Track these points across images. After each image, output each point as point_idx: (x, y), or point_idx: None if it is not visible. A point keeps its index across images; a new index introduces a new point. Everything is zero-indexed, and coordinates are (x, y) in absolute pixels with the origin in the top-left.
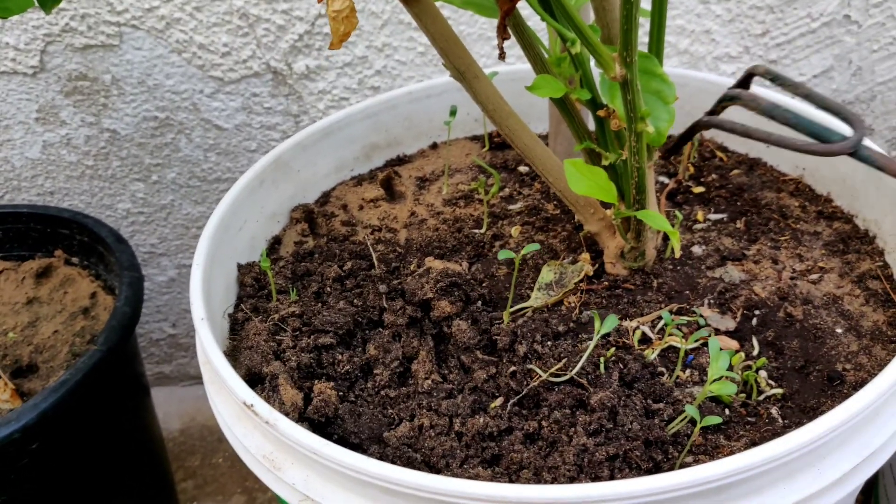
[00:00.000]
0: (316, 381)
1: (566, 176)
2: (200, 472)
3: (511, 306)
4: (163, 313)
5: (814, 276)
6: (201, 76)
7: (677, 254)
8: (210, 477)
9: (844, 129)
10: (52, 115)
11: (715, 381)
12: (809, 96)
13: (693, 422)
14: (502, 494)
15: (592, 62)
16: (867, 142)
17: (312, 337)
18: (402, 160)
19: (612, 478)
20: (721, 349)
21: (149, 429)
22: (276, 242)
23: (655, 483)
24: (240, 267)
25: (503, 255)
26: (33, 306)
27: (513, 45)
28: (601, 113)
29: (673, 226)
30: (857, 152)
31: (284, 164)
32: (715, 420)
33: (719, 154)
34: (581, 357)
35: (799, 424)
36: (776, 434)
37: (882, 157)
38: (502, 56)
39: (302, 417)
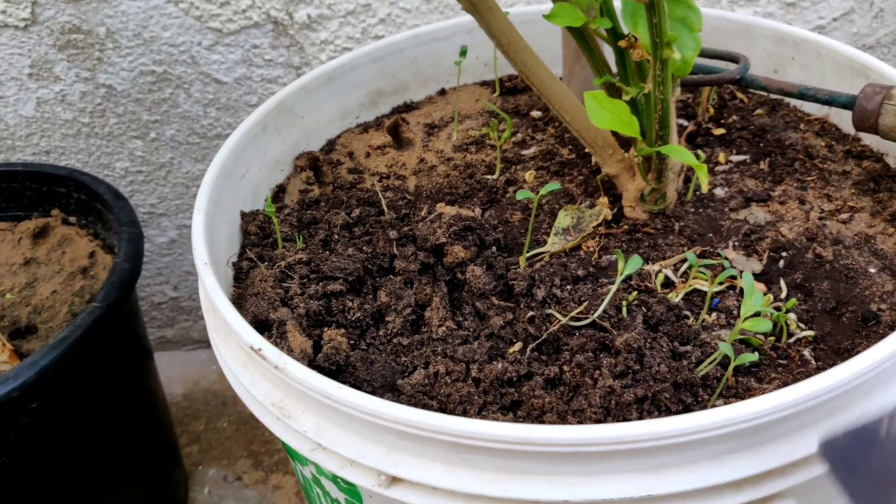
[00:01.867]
0: (325, 329)
1: (587, 108)
2: (205, 436)
3: (527, 251)
4: (164, 275)
5: (844, 216)
6: (199, 27)
7: (704, 188)
8: (215, 441)
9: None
10: (45, 70)
11: (748, 318)
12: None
13: (723, 365)
14: (528, 435)
15: None
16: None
17: (321, 284)
18: (409, 107)
19: (641, 420)
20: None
21: (152, 392)
22: (280, 191)
23: (690, 422)
24: (243, 215)
25: (521, 195)
26: (31, 267)
27: None
28: (622, 43)
29: None
30: (742, 78)
31: (288, 109)
32: (750, 358)
33: (739, 95)
34: (603, 300)
35: (833, 366)
36: (809, 375)
37: (764, 78)
38: None
39: (311, 365)
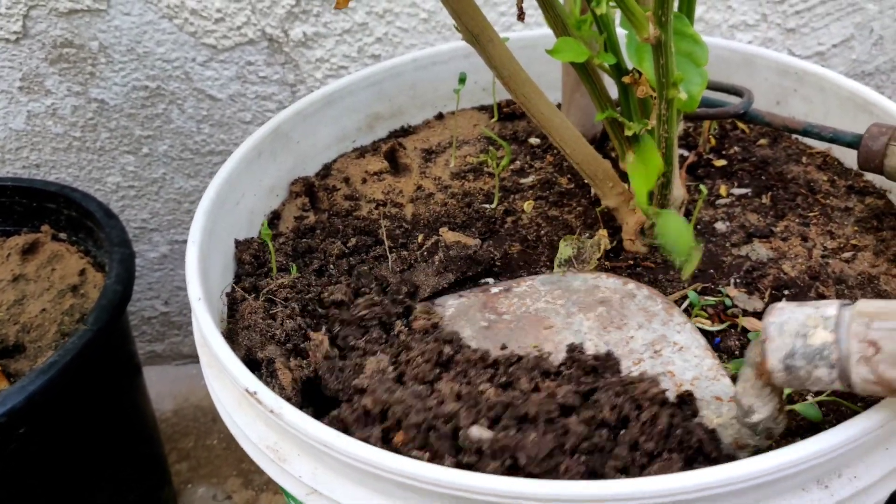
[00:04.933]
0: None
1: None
2: (194, 453)
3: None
4: (154, 290)
5: (846, 255)
6: (194, 43)
7: (685, 277)
8: (204, 459)
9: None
10: (36, 83)
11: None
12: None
13: None
14: (534, 491)
15: (616, 23)
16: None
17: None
18: (406, 131)
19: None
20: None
21: (141, 410)
22: (275, 217)
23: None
24: (237, 243)
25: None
26: (19, 284)
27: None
28: (626, 79)
29: (696, 200)
30: (746, 112)
31: (284, 134)
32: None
33: (741, 126)
34: None
35: (837, 412)
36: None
37: (768, 114)
38: (521, 17)
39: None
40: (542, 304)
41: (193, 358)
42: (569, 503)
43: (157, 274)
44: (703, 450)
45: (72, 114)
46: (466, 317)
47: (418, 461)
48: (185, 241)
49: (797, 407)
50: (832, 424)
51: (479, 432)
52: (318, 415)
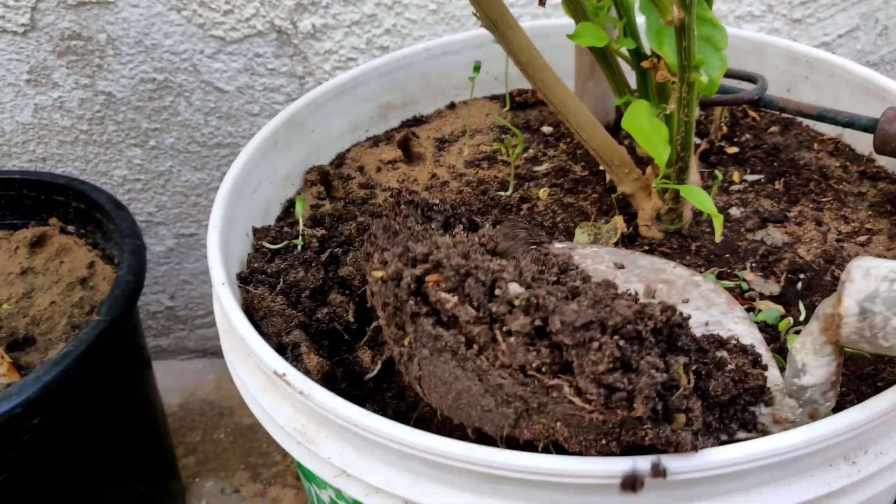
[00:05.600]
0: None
1: (633, 121)
2: (202, 447)
3: None
4: (160, 284)
5: (861, 238)
6: (202, 35)
7: (717, 238)
8: (212, 453)
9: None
10: (43, 76)
11: None
12: None
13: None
14: (563, 467)
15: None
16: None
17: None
18: (418, 120)
19: None
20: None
21: (151, 403)
22: (290, 206)
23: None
24: (255, 230)
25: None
26: (28, 277)
27: (521, 2)
28: (646, 64)
29: (710, 186)
30: (760, 98)
31: (298, 123)
32: None
33: (752, 113)
34: None
35: (858, 392)
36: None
37: (782, 99)
38: (542, 2)
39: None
40: (603, 268)
41: (199, 353)
42: (597, 478)
43: (163, 268)
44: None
45: (79, 107)
46: None
47: (448, 439)
48: (191, 235)
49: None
50: (851, 403)
51: (519, 289)
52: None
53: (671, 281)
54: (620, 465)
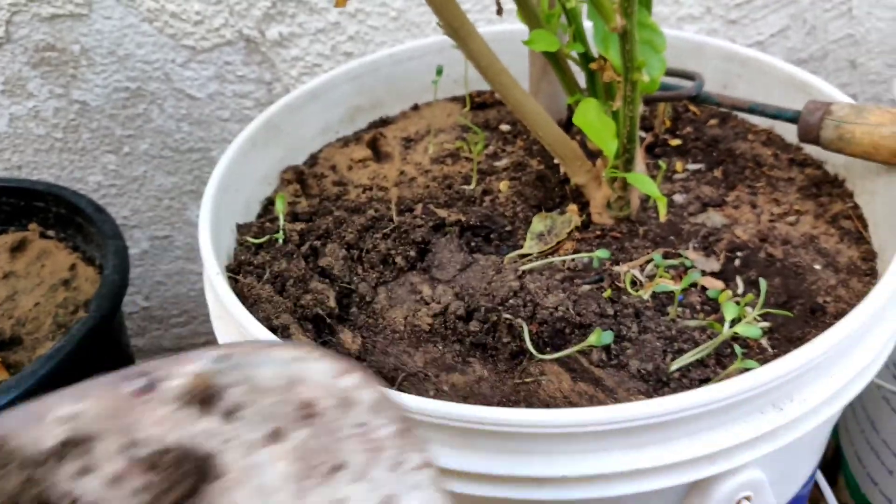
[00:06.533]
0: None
1: (584, 119)
2: None
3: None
4: (136, 286)
5: (791, 219)
6: (173, 45)
7: (662, 218)
8: None
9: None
10: (18, 87)
11: (736, 322)
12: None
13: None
14: (530, 419)
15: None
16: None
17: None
18: (385, 122)
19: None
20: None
21: None
22: (269, 203)
23: (683, 401)
24: (239, 227)
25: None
26: (10, 280)
27: (477, 9)
28: (594, 66)
29: (655, 175)
30: (698, 94)
31: (274, 126)
32: (754, 334)
33: (692, 109)
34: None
35: (787, 352)
36: (768, 361)
37: (718, 95)
38: (500, 11)
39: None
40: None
41: (174, 351)
42: (586, 426)
43: (139, 269)
44: None
45: (54, 115)
46: None
47: (425, 398)
48: (165, 237)
49: (739, 328)
50: (776, 345)
51: None
52: None
53: (315, 412)
54: None
